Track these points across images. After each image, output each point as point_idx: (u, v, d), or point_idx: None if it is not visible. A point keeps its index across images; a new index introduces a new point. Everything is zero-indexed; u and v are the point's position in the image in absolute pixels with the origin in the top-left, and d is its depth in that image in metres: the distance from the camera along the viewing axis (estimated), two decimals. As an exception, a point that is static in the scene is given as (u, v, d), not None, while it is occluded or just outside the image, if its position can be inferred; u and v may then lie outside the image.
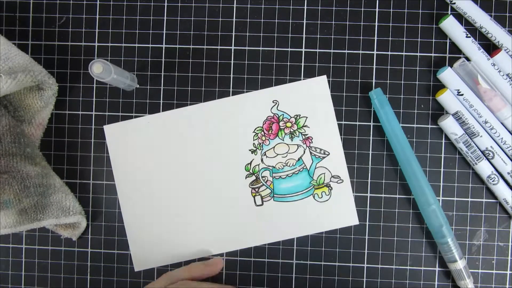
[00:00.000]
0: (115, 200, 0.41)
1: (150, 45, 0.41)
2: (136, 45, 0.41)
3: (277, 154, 0.40)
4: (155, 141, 0.41)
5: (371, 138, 0.40)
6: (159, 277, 0.39)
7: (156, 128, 0.41)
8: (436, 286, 0.39)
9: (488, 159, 0.38)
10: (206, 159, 0.40)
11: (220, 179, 0.40)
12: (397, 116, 0.39)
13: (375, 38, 0.40)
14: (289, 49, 0.40)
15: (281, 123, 0.40)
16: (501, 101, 0.38)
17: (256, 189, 0.40)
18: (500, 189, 0.38)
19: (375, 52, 0.40)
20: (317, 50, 0.40)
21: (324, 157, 0.40)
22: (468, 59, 0.39)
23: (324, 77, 0.40)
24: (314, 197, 0.40)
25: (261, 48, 0.41)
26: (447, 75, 0.38)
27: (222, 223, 0.40)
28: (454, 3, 0.39)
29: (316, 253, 0.40)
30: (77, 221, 0.40)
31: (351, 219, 0.40)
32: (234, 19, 0.41)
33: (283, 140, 0.40)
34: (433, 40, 0.40)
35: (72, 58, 0.42)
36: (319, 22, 0.40)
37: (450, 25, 0.39)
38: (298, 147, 0.40)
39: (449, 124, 0.38)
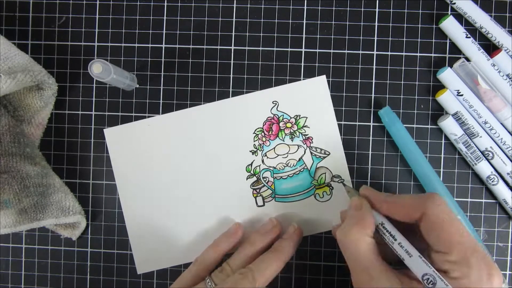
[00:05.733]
0: (114, 200, 0.41)
1: (150, 45, 0.41)
2: (136, 45, 0.41)
3: (278, 155, 0.40)
4: (155, 144, 0.41)
5: (370, 138, 0.40)
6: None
7: (157, 130, 0.41)
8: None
9: (487, 160, 0.39)
10: (207, 160, 0.40)
11: (221, 180, 0.40)
12: (397, 116, 0.39)
13: (375, 38, 0.40)
14: (289, 49, 0.40)
15: (281, 124, 0.40)
16: (501, 102, 0.38)
17: (257, 190, 0.40)
18: (500, 189, 0.38)
19: (375, 52, 0.40)
20: (317, 50, 0.40)
21: (324, 157, 0.40)
22: (468, 59, 0.39)
23: (324, 77, 0.40)
24: (315, 197, 0.40)
25: (261, 48, 0.41)
26: (447, 75, 0.38)
27: (223, 223, 0.40)
28: (454, 3, 0.39)
29: (316, 253, 0.40)
30: (77, 221, 0.40)
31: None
32: (234, 19, 0.41)
33: (283, 140, 0.40)
34: (433, 40, 0.40)
35: (72, 58, 0.41)
36: (319, 22, 0.40)
37: (450, 25, 0.39)
38: (298, 148, 0.40)
39: (448, 125, 0.38)
